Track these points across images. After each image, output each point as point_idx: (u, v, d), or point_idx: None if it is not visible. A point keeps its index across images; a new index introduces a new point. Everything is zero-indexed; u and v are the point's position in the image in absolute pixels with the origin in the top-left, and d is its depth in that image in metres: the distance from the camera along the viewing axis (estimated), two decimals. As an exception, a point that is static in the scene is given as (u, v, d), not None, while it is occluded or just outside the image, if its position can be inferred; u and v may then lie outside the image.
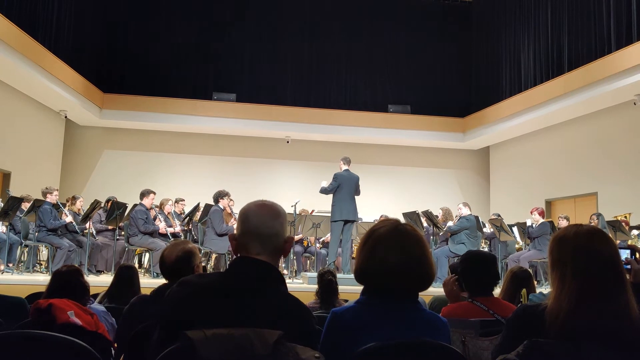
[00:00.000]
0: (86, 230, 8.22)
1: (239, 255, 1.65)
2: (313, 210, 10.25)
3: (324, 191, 7.89)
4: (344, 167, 7.95)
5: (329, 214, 8.01)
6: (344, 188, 7.74)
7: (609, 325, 1.48)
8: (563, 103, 10.89)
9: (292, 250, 8.59)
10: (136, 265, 8.37)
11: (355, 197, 7.93)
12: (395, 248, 1.73)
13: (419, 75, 14.92)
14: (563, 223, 8.84)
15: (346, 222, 7.76)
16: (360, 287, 1.80)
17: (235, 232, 1.69)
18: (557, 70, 11.39)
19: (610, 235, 1.68)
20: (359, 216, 9.77)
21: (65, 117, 12.92)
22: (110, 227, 8.61)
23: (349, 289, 5.22)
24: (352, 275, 1.83)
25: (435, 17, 15.22)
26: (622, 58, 9.34)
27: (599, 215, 8.93)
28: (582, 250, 1.57)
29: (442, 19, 15.26)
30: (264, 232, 1.63)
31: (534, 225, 8.77)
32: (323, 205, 10.05)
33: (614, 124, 10.70)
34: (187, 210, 9.51)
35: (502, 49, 13.55)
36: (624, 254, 2.05)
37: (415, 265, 1.72)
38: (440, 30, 15.14)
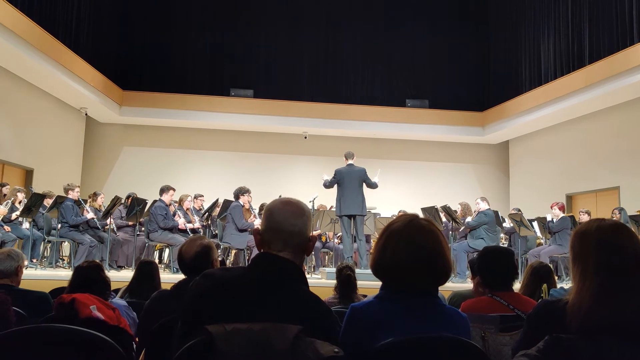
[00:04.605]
0: (107, 226, 8.34)
1: (262, 250, 1.66)
2: (332, 206, 10.23)
3: (324, 185, 7.92)
4: (348, 162, 7.89)
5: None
6: (344, 183, 7.71)
7: (631, 320, 1.46)
8: (584, 96, 10.72)
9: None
10: (156, 261, 8.46)
11: (371, 189, 7.87)
12: (408, 243, 1.72)
13: (437, 69, 14.81)
14: (584, 218, 8.72)
15: (351, 217, 7.72)
16: (379, 282, 1.80)
17: (259, 227, 1.71)
18: (578, 62, 11.21)
19: (633, 229, 1.66)
20: (376, 211, 9.77)
21: (86, 114, 13.09)
22: (130, 223, 8.72)
23: (368, 284, 5.22)
24: (370, 271, 1.83)
25: (454, 10, 15.07)
26: (645, 49, 9.18)
27: (621, 209, 8.80)
28: (604, 244, 1.55)
29: (460, 12, 15.10)
30: (287, 229, 1.63)
31: (554, 220, 8.67)
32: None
33: (636, 116, 10.51)
34: (206, 206, 9.58)
35: (521, 41, 13.38)
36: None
37: (429, 260, 1.71)
38: (459, 23, 14.97)
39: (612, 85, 9.93)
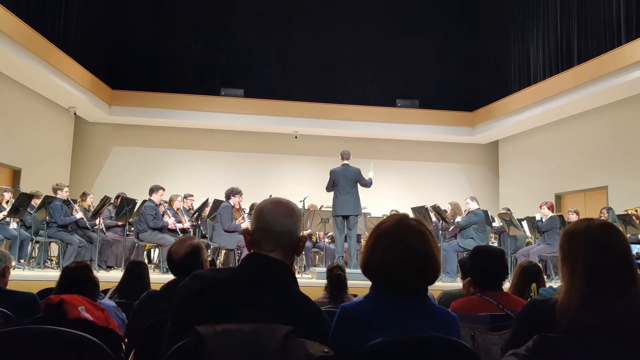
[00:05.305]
0: (96, 226, 8.28)
1: (252, 251, 1.66)
2: (322, 206, 10.24)
3: (326, 189, 7.93)
4: (344, 162, 7.88)
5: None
6: (339, 183, 7.71)
7: (620, 319, 1.47)
8: (573, 96, 10.79)
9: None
10: (146, 261, 8.42)
11: (365, 188, 7.84)
12: (396, 243, 1.72)
13: (427, 70, 14.84)
14: (573, 217, 8.79)
15: (345, 217, 7.72)
16: (369, 282, 1.80)
17: (248, 228, 1.70)
18: (567, 63, 11.29)
19: (621, 229, 1.67)
20: (367, 211, 9.78)
21: (75, 113, 12.99)
22: (119, 223, 8.67)
23: (358, 284, 5.22)
24: (360, 270, 1.83)
25: (443, 10, 15.11)
26: (632, 50, 9.25)
27: (609, 209, 8.88)
28: (593, 244, 1.56)
29: (450, 12, 15.15)
30: (277, 229, 1.63)
31: (543, 220, 8.73)
32: (331, 200, 10.05)
33: (624, 116, 10.61)
34: (196, 205, 9.54)
35: (510, 41, 13.45)
36: (635, 249, 2.03)
37: (418, 260, 1.71)
38: (449, 24, 15.03)
39: (601, 85, 10.01)
